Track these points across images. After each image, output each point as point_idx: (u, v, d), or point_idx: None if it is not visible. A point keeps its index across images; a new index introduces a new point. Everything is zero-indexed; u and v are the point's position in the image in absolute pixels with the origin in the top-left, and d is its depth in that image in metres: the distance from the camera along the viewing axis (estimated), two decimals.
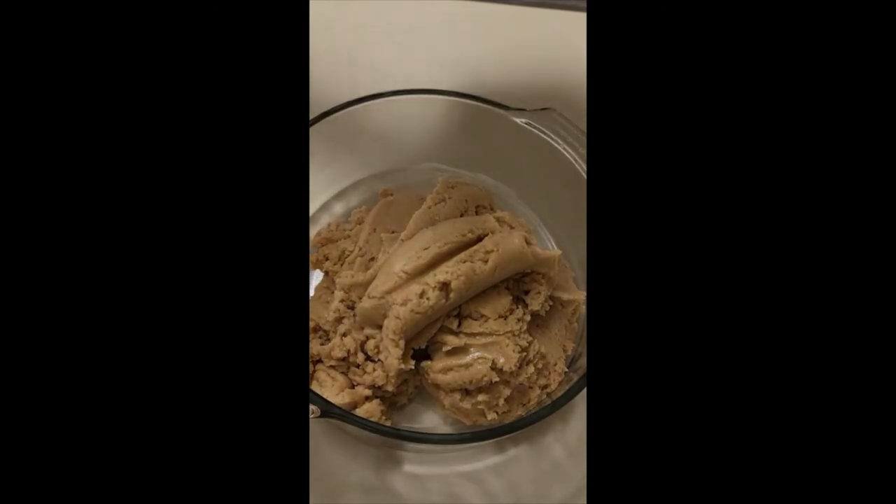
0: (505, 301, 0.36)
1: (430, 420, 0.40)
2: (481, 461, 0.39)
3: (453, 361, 0.35)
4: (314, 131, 0.41)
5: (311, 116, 0.41)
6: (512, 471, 0.39)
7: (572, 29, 0.57)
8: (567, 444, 0.40)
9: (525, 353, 0.36)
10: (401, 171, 0.48)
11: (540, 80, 0.55)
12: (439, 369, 0.35)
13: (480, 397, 0.35)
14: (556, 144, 0.42)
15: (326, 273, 0.42)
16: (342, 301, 0.37)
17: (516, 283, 0.37)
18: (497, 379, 0.35)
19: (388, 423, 0.38)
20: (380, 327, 0.35)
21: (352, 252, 0.41)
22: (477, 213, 0.41)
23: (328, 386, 0.37)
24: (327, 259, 0.42)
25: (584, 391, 0.35)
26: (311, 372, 0.38)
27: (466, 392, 0.36)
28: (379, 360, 0.36)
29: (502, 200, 0.46)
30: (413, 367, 0.36)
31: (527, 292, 0.37)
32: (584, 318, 0.41)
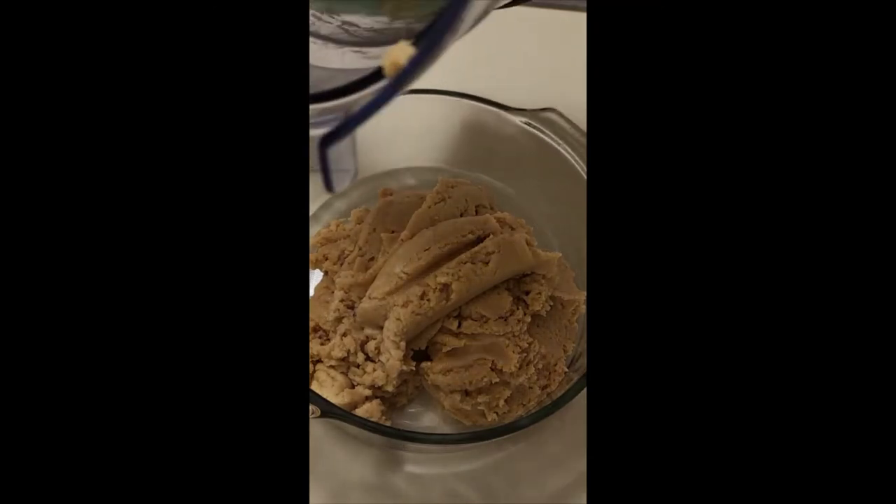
0: (505, 302, 0.36)
1: (430, 420, 0.40)
2: (481, 461, 0.39)
3: (453, 362, 0.35)
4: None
5: None
6: (512, 471, 0.39)
7: (572, 29, 0.57)
8: (567, 444, 0.40)
9: (525, 354, 0.36)
10: (401, 171, 0.48)
11: (540, 80, 0.54)
12: (439, 370, 0.35)
13: (480, 398, 0.35)
14: (556, 144, 0.42)
15: (326, 273, 0.42)
16: (342, 301, 0.37)
17: (517, 283, 0.37)
18: (497, 380, 0.35)
19: (388, 424, 0.38)
20: (380, 328, 0.35)
21: (352, 252, 0.41)
22: (477, 213, 0.41)
23: (328, 386, 0.37)
24: (327, 259, 0.42)
25: (584, 391, 0.35)
26: (311, 372, 0.38)
27: (466, 393, 0.36)
28: (379, 360, 0.36)
29: (502, 200, 0.46)
30: (413, 368, 0.36)
31: (527, 293, 0.37)
32: (584, 318, 0.41)
